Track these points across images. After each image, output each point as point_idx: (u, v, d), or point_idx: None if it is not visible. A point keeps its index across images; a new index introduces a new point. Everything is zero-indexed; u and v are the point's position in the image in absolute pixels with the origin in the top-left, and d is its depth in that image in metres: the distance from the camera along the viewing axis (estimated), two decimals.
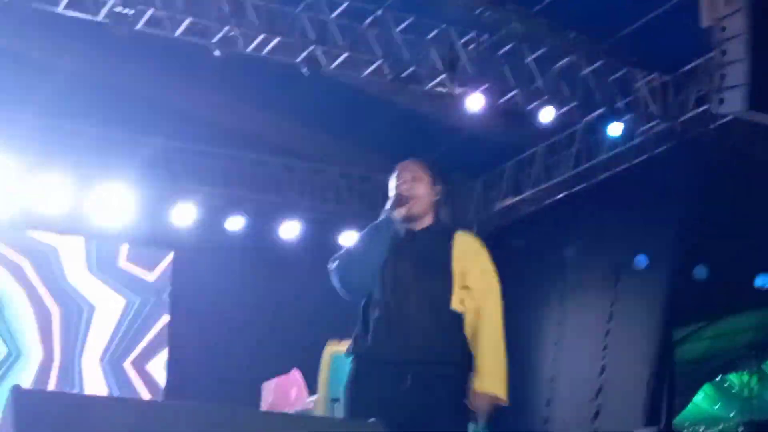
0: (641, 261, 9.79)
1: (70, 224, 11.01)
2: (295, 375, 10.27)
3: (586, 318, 10.71)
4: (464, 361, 3.69)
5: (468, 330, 3.70)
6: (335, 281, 3.72)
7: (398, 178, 3.91)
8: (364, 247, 3.72)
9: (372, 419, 3.15)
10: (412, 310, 3.63)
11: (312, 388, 8.49)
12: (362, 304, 3.78)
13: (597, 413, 10.01)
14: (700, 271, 10.12)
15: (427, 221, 3.86)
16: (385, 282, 3.68)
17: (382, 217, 3.77)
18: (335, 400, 5.73)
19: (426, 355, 3.58)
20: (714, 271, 10.50)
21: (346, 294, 3.74)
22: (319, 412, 3.79)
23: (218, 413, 2.80)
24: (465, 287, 3.71)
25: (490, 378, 3.70)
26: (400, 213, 3.76)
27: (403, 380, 3.54)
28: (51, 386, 10.85)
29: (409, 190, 3.83)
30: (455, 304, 3.67)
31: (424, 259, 3.72)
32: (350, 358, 3.75)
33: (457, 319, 3.68)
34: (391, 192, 3.87)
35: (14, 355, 10.88)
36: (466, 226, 11.76)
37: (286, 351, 10.43)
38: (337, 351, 7.20)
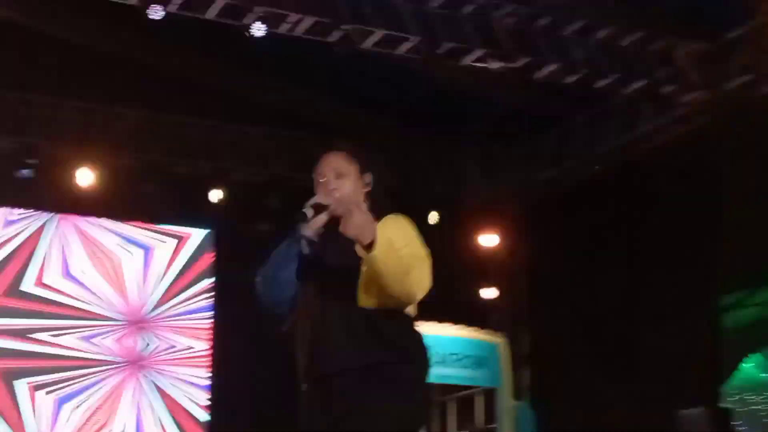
0: None
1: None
2: None
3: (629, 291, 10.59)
4: (387, 358, 3.22)
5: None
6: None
7: (319, 176, 3.40)
8: (274, 269, 3.33)
9: None
10: (321, 319, 3.25)
11: None
12: None
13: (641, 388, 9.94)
14: None
15: None
16: (299, 297, 3.32)
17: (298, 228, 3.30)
18: None
19: (340, 365, 3.20)
20: (763, 238, 10.33)
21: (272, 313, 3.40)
22: None
23: None
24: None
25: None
26: (317, 223, 3.28)
27: (327, 400, 3.22)
28: None
29: (333, 192, 3.34)
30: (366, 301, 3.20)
31: (339, 259, 3.26)
32: None
33: (372, 317, 3.21)
34: (316, 191, 3.38)
35: None
36: (506, 198, 11.99)
37: None
38: None
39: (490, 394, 11.01)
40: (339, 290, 3.23)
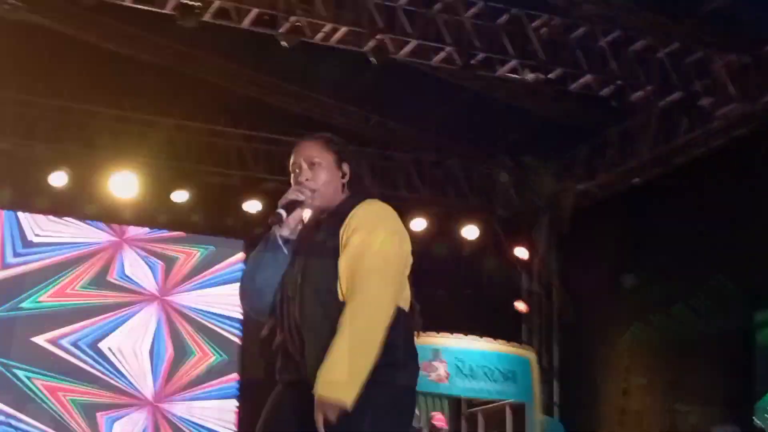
0: None
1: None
2: None
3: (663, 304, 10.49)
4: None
5: None
6: None
7: (293, 167, 3.17)
8: (252, 274, 3.13)
9: None
10: (301, 320, 3.00)
11: None
12: None
13: (673, 403, 9.83)
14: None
15: (336, 203, 3.15)
16: (277, 299, 3.10)
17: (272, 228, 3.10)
18: None
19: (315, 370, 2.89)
20: None
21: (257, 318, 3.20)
22: None
23: None
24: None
25: (332, 378, 2.84)
26: (293, 221, 3.09)
27: (303, 405, 2.91)
28: None
29: (307, 183, 3.12)
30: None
31: (315, 253, 3.04)
32: None
33: None
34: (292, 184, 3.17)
35: None
36: (539, 210, 11.94)
37: None
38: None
39: (519, 408, 10.91)
40: (318, 288, 3.00)
